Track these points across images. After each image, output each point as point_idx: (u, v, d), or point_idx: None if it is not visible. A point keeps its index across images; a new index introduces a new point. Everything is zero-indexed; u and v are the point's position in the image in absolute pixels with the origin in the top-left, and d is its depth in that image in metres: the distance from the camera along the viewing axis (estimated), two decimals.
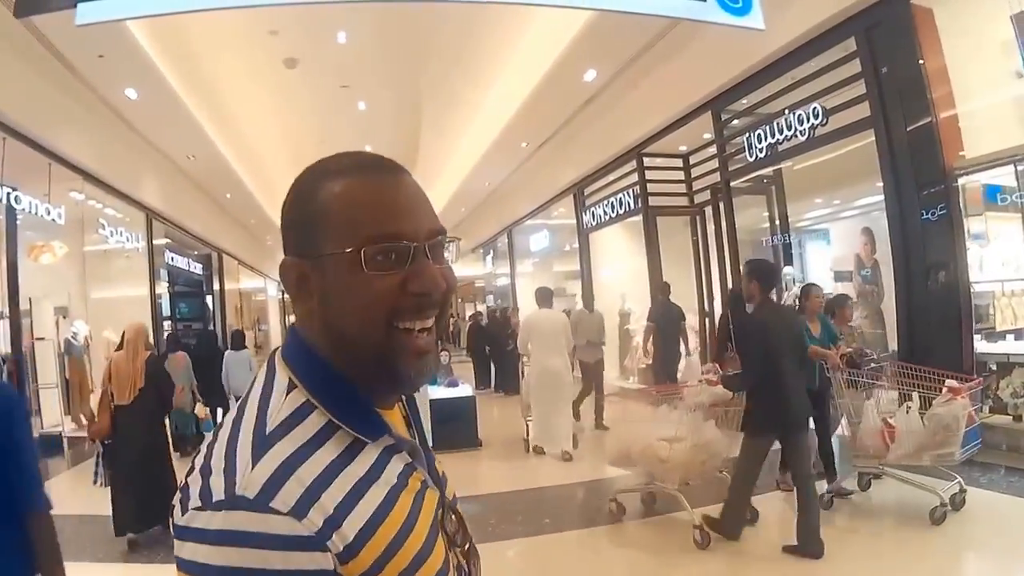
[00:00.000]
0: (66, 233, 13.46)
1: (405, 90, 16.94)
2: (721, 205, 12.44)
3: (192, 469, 1.05)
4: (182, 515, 1.00)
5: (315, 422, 1.06)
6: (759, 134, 10.80)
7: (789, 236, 12.52)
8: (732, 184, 12.04)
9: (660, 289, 13.47)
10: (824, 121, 9.63)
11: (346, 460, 1.05)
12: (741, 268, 9.36)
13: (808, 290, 7.60)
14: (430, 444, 1.30)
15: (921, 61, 8.28)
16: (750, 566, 5.82)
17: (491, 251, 29.24)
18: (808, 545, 5.61)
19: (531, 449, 10.50)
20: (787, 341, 5.96)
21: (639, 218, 15.09)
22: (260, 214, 25.64)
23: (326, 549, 0.97)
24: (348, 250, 1.07)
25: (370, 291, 1.07)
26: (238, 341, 12.95)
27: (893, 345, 9.41)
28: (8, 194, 11.15)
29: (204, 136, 16.00)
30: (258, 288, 34.48)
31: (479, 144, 18.49)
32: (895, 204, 8.73)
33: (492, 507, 7.74)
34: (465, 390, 11.48)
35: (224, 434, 1.05)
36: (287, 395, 1.07)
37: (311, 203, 1.11)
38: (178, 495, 1.04)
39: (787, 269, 12.05)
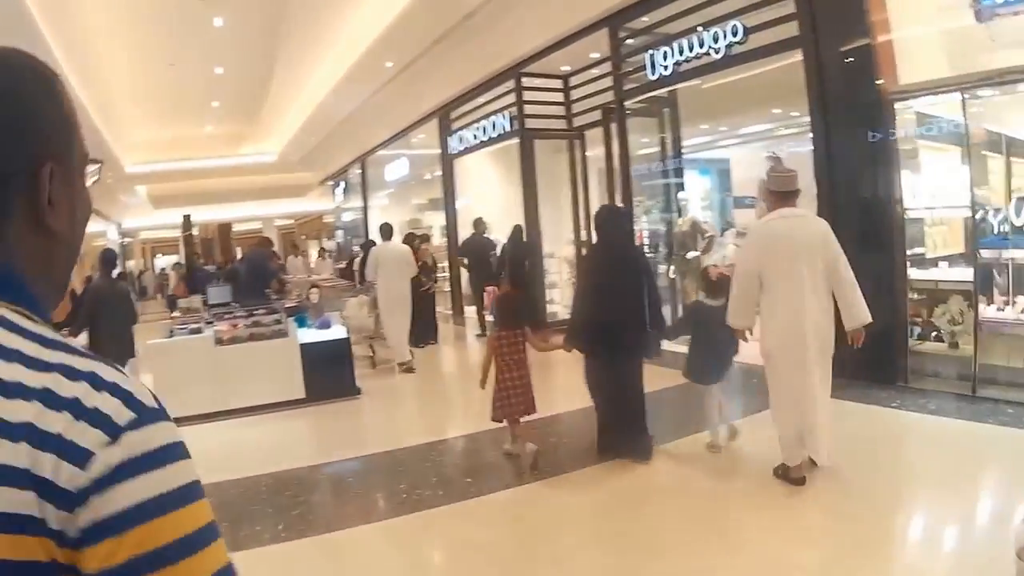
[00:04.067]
0: None
1: (267, 5, 15.26)
2: (613, 127, 11.75)
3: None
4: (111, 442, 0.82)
5: None
6: (664, 51, 10.17)
7: (681, 161, 11.88)
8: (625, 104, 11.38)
9: (474, 224, 14.34)
10: (743, 39, 9.09)
11: None
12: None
13: None
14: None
15: None
16: None
17: (342, 183, 27.76)
18: None
19: (374, 365, 11.85)
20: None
21: (512, 142, 14.35)
22: (101, 146, 22.93)
23: None
24: (94, 160, 1.07)
25: (90, 203, 1.07)
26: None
27: None
28: None
29: (43, 42, 13.32)
30: (98, 232, 31.73)
31: (340, 66, 17.03)
32: (821, 128, 8.45)
33: (391, 468, 6.85)
34: (338, 332, 10.35)
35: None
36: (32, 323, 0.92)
37: (65, 103, 1.01)
38: (63, 435, 0.81)
39: (682, 195, 11.44)
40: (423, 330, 13.11)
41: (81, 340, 7.93)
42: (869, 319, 5.44)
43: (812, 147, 8.64)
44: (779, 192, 5.54)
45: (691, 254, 10.80)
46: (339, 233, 29.40)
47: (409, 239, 13.88)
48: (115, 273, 9.72)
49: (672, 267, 11.24)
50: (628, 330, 6.41)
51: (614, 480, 6.10)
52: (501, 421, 6.59)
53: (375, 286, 11.90)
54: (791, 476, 5.48)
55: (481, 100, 15.39)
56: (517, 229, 13.56)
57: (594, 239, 6.87)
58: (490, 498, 5.82)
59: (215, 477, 6.70)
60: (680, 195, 11.39)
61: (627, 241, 7.40)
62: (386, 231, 12.32)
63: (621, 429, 6.46)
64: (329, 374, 9.70)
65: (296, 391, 9.51)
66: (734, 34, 9.10)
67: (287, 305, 11.17)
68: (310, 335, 10.09)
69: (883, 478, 5.70)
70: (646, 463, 6.28)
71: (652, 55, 10.36)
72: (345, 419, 9.12)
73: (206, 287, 13.39)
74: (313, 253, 35.50)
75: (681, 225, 10.94)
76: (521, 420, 6.55)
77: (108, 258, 9.36)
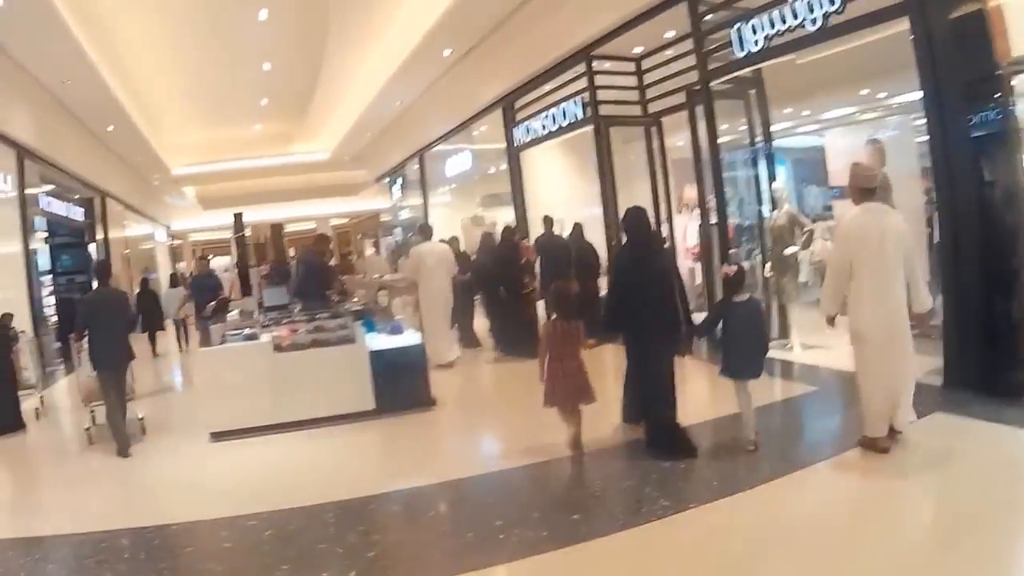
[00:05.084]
0: None
1: None
2: (699, 109, 11.01)
3: None
4: None
5: None
6: (753, 25, 9.33)
7: (771, 147, 11.09)
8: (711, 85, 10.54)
9: (544, 221, 13.55)
10: (841, 8, 8.17)
11: None
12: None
13: None
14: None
15: None
16: None
17: (399, 180, 27.06)
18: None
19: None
20: None
21: (584, 131, 13.54)
22: (145, 149, 22.76)
23: None
24: None
25: None
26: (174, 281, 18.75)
27: None
28: None
29: (81, 54, 13.06)
30: (145, 235, 31.31)
31: (394, 56, 16.30)
32: (934, 106, 7.49)
33: (481, 499, 6.04)
34: (412, 337, 9.63)
35: None
36: None
37: None
38: None
39: (776, 185, 10.55)
40: (524, 337, 11.55)
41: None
42: (932, 305, 6.25)
43: (925, 128, 7.77)
44: (864, 188, 6.16)
45: (789, 249, 9.88)
46: (397, 231, 28.57)
47: (507, 234, 12.87)
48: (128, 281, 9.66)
49: (768, 265, 10.30)
50: (658, 323, 6.59)
51: (751, 511, 5.32)
52: (553, 407, 6.78)
53: (416, 286, 12.33)
54: (878, 446, 6.00)
55: (548, 87, 14.59)
56: (577, 227, 13.13)
57: (623, 239, 7.15)
58: (604, 541, 4.89)
59: (274, 504, 6.07)
60: (774, 185, 10.47)
61: (654, 241, 7.60)
62: (426, 231, 13.04)
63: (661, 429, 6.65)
64: (401, 384, 9.04)
65: (365, 402, 8.87)
66: (831, 2, 8.26)
67: (352, 308, 10.50)
68: (379, 341, 9.39)
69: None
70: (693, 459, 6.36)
71: (740, 30, 9.54)
72: (421, 435, 8.36)
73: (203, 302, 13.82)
74: (369, 251, 34.66)
75: (777, 218, 10.02)
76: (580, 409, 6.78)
77: (101, 268, 10.08)
